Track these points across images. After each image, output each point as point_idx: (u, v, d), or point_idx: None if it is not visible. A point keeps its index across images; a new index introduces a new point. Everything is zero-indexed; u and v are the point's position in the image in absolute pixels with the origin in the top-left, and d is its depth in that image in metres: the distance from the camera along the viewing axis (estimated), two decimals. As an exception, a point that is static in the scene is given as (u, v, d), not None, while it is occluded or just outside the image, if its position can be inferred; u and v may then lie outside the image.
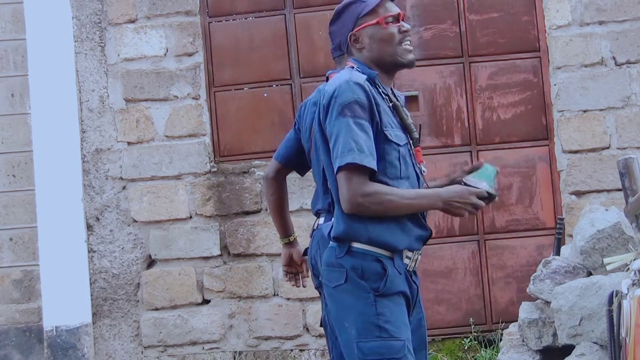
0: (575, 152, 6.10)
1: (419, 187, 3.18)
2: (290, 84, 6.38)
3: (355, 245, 3.06)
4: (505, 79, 6.26)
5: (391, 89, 3.25)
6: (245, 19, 6.43)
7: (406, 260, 3.12)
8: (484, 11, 6.28)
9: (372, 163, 2.98)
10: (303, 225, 5.94)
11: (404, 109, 3.22)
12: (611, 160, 5.96)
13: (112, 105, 6.33)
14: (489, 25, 6.28)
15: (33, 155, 6.23)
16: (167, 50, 6.33)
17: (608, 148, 6.09)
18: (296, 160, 3.56)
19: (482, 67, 6.28)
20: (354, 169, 2.97)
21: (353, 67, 3.15)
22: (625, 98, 6.08)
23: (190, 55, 6.31)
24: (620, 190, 4.28)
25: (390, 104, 3.16)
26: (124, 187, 6.30)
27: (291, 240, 3.71)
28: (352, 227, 3.05)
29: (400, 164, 3.11)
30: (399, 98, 3.26)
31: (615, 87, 6.08)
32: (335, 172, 3.02)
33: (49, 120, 6.22)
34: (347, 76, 3.07)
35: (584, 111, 6.11)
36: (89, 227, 6.29)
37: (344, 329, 3.08)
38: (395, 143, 3.10)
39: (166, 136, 6.30)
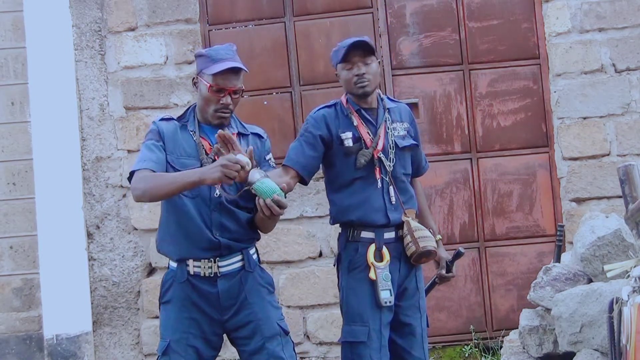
0: (576, 159, 6.10)
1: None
2: (290, 92, 6.38)
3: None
4: (505, 86, 6.26)
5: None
6: (245, 26, 6.44)
7: (195, 269, 3.56)
8: (484, 18, 6.29)
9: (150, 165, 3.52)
10: (304, 234, 5.94)
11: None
12: (611, 167, 5.96)
13: (112, 113, 6.33)
14: (489, 32, 6.28)
15: (33, 163, 6.22)
16: (167, 58, 6.34)
17: (608, 155, 6.09)
18: None
19: (482, 75, 6.28)
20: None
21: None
22: (625, 105, 6.08)
23: (190, 63, 6.31)
24: (620, 197, 4.28)
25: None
26: (124, 195, 6.30)
27: (436, 239, 4.02)
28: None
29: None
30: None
31: (615, 94, 6.08)
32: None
33: (49, 128, 6.22)
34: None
35: (584, 118, 6.11)
36: (89, 235, 6.29)
37: None
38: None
39: (166, 144, 6.29)
